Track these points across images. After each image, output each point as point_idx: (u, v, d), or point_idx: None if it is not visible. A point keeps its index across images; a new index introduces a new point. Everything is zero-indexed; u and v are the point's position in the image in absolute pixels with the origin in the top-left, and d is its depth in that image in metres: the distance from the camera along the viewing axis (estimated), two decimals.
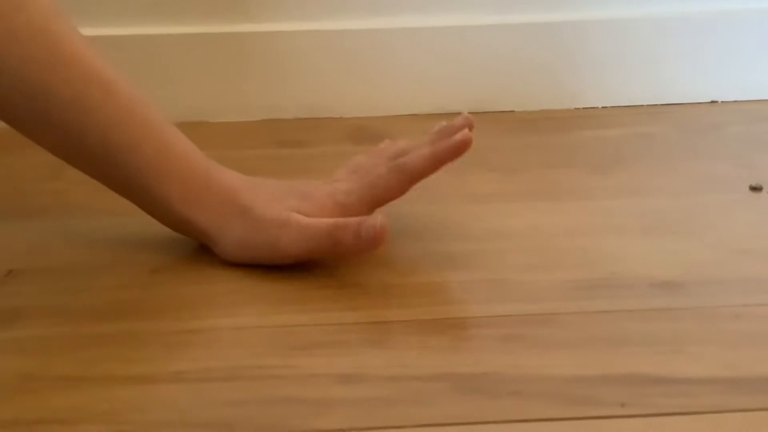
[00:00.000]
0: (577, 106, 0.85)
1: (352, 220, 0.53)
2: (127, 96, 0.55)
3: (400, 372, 0.46)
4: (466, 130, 0.56)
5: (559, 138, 0.78)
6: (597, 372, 0.45)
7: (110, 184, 0.57)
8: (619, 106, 0.85)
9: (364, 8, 0.83)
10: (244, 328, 0.50)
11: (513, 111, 0.84)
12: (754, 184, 0.66)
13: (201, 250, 0.58)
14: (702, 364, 0.46)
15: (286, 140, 0.78)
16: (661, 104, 0.85)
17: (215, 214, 0.55)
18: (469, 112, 0.83)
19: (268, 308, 0.52)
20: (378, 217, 0.52)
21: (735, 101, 0.85)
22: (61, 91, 0.53)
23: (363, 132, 0.80)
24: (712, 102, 0.85)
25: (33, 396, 0.45)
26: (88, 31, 0.57)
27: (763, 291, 0.53)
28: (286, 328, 0.50)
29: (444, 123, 0.59)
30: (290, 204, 0.55)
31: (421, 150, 0.57)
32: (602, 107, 0.85)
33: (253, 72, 0.83)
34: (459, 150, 0.56)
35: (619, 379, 0.45)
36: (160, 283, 0.55)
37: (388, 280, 0.54)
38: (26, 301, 0.53)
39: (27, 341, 0.49)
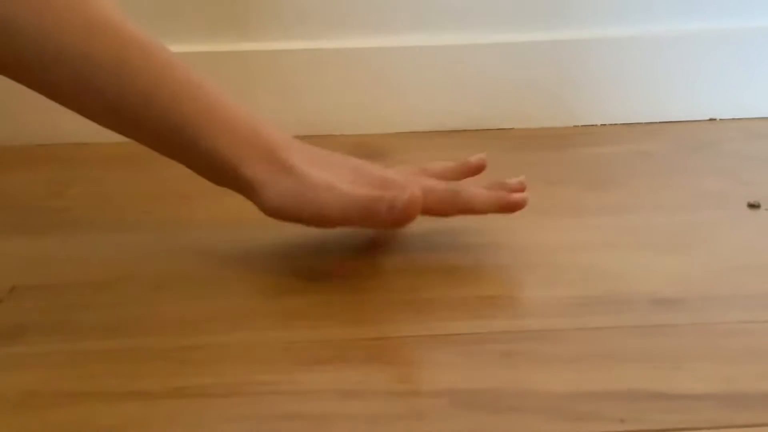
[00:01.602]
0: (576, 124, 0.85)
1: (389, 192, 0.54)
2: (164, 56, 0.56)
3: (401, 388, 0.46)
4: (526, 194, 0.59)
5: (558, 155, 0.79)
6: (596, 388, 0.45)
7: (156, 144, 0.57)
8: (618, 124, 0.85)
9: (365, 27, 0.84)
10: (245, 344, 0.50)
11: (512, 128, 0.85)
12: (751, 201, 0.66)
13: (203, 267, 0.58)
14: (701, 380, 0.46)
15: None
16: (659, 122, 0.85)
17: (261, 166, 0.55)
18: (469, 129, 0.85)
19: (269, 324, 0.52)
20: (408, 191, 0.53)
21: (733, 119, 0.85)
22: (101, 56, 0.54)
23: (364, 149, 0.80)
24: (710, 119, 0.86)
25: (36, 412, 0.45)
26: None
27: (761, 307, 0.53)
28: (287, 344, 0.50)
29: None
30: (342, 174, 0.56)
31: (481, 190, 0.59)
32: (601, 125, 0.85)
33: (254, 90, 0.84)
34: (514, 207, 0.58)
35: (618, 395, 0.45)
36: (162, 300, 0.55)
37: (388, 296, 0.55)
38: (29, 318, 0.53)
39: (30, 357, 0.49)
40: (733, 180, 0.71)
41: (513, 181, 0.61)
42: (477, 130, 0.84)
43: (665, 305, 0.53)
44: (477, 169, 0.62)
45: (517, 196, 0.59)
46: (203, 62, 0.83)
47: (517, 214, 0.58)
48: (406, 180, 0.58)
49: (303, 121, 0.84)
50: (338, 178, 0.56)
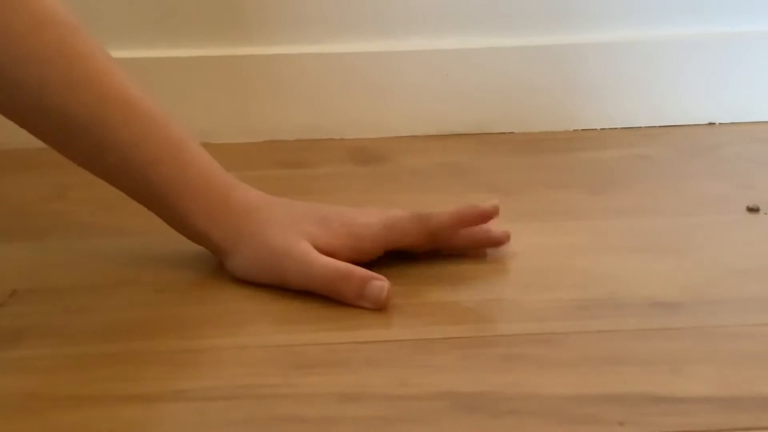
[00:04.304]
0: (576, 128, 0.86)
1: (358, 273, 0.53)
2: (146, 115, 0.56)
3: (400, 391, 0.46)
4: (496, 201, 0.58)
5: (559, 159, 0.79)
6: (596, 391, 0.45)
7: (134, 197, 0.57)
8: (618, 128, 0.85)
9: (365, 31, 0.84)
10: (246, 347, 0.50)
11: (512, 132, 0.85)
12: (751, 205, 0.66)
13: (204, 271, 0.58)
14: (700, 383, 0.46)
15: (288, 161, 0.79)
16: (659, 126, 0.85)
17: (230, 230, 0.56)
18: (468, 134, 0.85)
19: (269, 328, 0.53)
20: (386, 283, 0.53)
21: (732, 123, 0.86)
22: (79, 113, 0.54)
23: (363, 153, 0.81)
24: (710, 123, 0.86)
25: (36, 415, 0.45)
26: None
27: (760, 311, 0.53)
28: (287, 347, 0.50)
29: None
30: (304, 229, 0.55)
31: (446, 208, 0.57)
32: (601, 129, 0.86)
33: (255, 94, 0.84)
34: (484, 217, 0.57)
35: (618, 398, 0.45)
36: (163, 303, 0.55)
37: None
38: (30, 321, 0.53)
39: (31, 361, 0.49)
40: (732, 184, 0.71)
41: (488, 204, 0.58)
42: (476, 134, 0.85)
43: (665, 309, 0.53)
44: (489, 216, 0.58)
45: (485, 205, 0.57)
46: (202, 66, 0.83)
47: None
48: (373, 232, 0.56)
49: (302, 125, 0.84)
50: (300, 238, 0.55)
